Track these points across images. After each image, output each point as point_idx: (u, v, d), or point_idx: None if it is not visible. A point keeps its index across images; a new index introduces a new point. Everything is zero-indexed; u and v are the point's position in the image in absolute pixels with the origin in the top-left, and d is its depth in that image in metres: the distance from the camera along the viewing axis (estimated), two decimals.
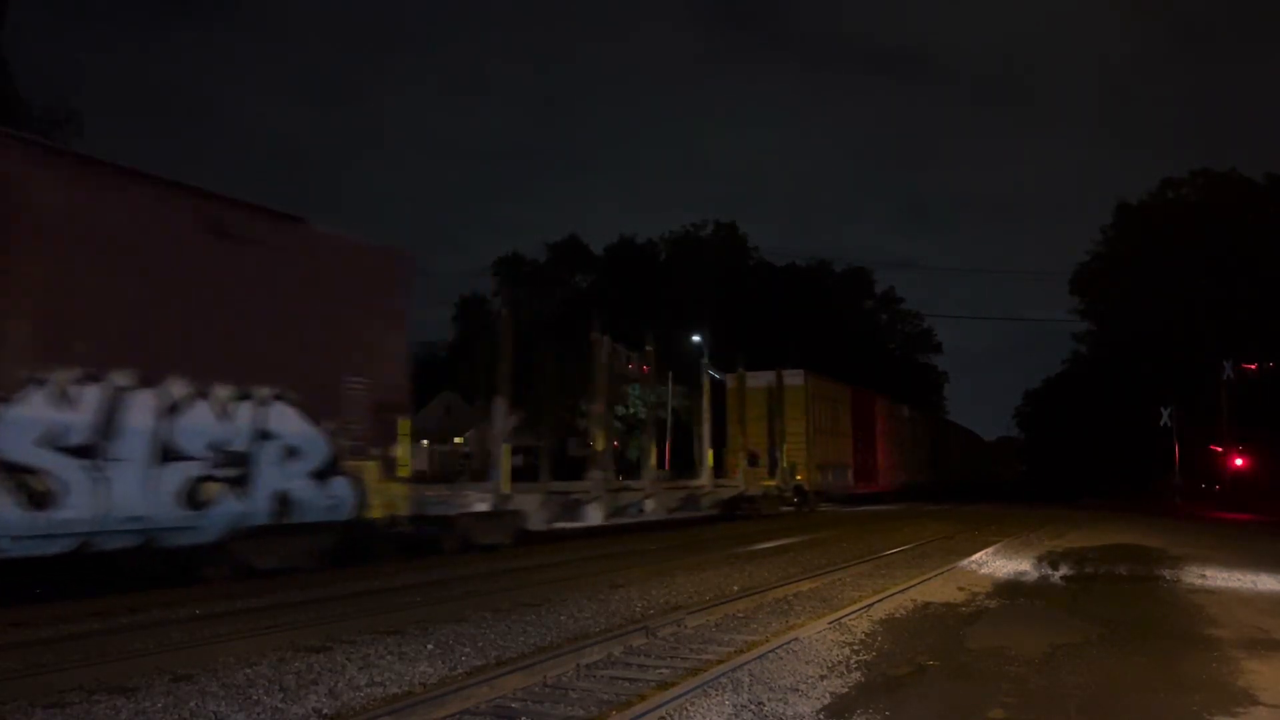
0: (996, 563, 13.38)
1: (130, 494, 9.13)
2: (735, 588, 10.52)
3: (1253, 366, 37.08)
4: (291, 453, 10.83)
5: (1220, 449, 38.62)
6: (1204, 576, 11.87)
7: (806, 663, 6.50)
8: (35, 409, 8.53)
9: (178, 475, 9.60)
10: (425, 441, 40.82)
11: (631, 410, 36.52)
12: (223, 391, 10.14)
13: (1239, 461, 38.01)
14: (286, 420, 10.80)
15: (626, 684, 5.99)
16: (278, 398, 10.73)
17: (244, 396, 10.36)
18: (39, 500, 8.46)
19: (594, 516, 17.52)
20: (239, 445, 10.26)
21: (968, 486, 54.49)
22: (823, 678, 6.09)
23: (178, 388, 9.70)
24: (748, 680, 5.89)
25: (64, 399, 8.74)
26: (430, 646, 7.13)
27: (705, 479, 23.41)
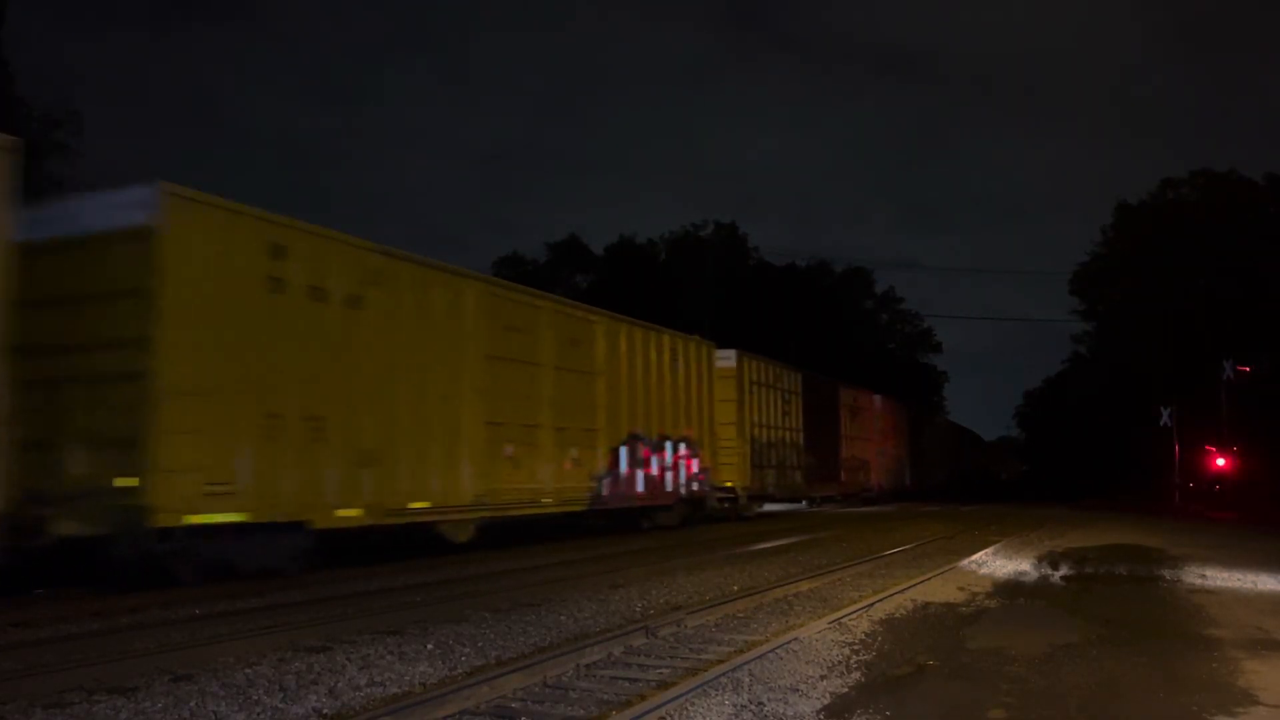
0: (996, 563, 13.38)
1: None
2: (735, 588, 10.52)
3: (1246, 370, 36.94)
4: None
5: (1216, 449, 38.56)
6: (1204, 576, 11.86)
7: (806, 663, 6.49)
8: None
9: None
10: None
11: None
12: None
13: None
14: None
15: (626, 684, 5.99)
16: None
17: None
18: None
19: None
20: None
21: (969, 487, 54.53)
22: (823, 678, 6.09)
23: None
24: (748, 680, 5.89)
25: None
26: (430, 646, 7.12)
27: None
